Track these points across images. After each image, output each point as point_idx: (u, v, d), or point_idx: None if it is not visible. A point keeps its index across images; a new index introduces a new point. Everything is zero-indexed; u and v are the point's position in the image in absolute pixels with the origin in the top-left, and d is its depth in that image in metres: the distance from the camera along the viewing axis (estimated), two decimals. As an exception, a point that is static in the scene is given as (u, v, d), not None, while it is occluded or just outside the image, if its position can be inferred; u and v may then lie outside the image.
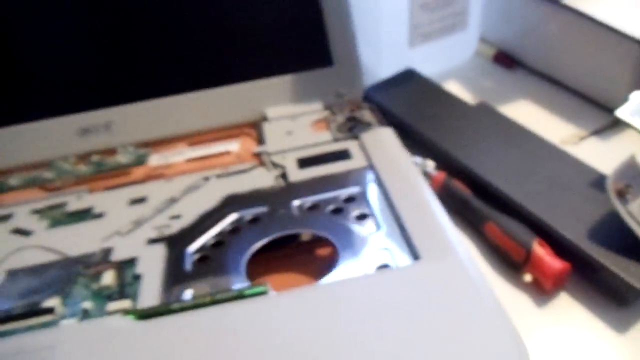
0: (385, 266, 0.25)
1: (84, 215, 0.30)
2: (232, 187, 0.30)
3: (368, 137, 0.32)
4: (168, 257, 0.26)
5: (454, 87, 0.44)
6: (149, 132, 0.35)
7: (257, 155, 0.32)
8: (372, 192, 0.29)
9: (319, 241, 0.28)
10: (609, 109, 0.38)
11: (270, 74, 0.35)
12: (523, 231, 0.31)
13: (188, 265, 0.26)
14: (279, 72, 0.35)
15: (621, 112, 0.31)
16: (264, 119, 0.35)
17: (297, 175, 0.31)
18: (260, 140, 0.34)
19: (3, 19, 0.33)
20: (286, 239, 0.28)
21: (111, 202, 0.30)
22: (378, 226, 0.27)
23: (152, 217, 0.29)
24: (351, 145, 0.32)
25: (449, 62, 0.45)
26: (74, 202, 0.31)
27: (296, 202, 0.29)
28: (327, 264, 0.27)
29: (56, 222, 0.30)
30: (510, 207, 0.32)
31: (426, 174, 0.36)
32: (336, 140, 0.33)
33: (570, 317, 0.29)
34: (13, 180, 0.33)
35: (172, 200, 0.30)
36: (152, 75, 0.35)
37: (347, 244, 0.26)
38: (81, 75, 0.34)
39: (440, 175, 0.35)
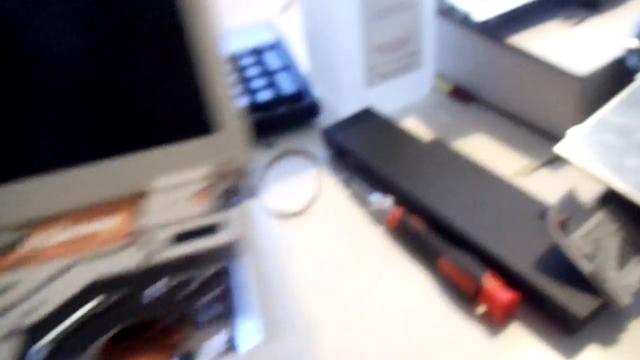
0: (233, 347, 0.26)
1: None
2: (99, 270, 0.31)
3: (240, 208, 0.33)
4: (20, 351, 0.27)
5: (412, 123, 0.46)
6: (27, 212, 0.34)
7: (132, 233, 0.33)
8: (234, 270, 0.30)
9: (178, 322, 0.29)
10: (558, 141, 0.40)
11: (153, 145, 0.36)
12: (474, 264, 0.32)
13: (39, 358, 0.27)
14: (163, 143, 0.36)
15: (559, 148, 0.33)
16: (148, 191, 0.35)
17: (166, 253, 0.31)
18: (140, 215, 0.34)
19: None
20: (145, 322, 0.29)
21: None
22: (234, 306, 0.28)
23: (13, 308, 0.29)
24: (224, 218, 0.33)
25: (407, 99, 0.47)
26: None
27: (159, 284, 0.30)
28: (183, 346, 0.28)
29: None
30: (463, 240, 0.34)
31: (384, 211, 0.37)
32: (212, 212, 0.33)
33: (521, 346, 0.30)
34: None
35: (38, 288, 0.30)
36: (29, 153, 0.34)
37: (203, 325, 0.28)
38: None
39: (397, 212, 0.36)
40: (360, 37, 0.41)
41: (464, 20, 0.42)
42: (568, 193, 0.31)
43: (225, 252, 0.31)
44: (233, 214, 0.33)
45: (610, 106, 0.34)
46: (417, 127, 0.45)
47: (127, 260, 0.31)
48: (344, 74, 0.43)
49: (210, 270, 0.30)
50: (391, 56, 0.43)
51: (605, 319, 0.30)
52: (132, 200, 0.35)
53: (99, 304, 0.29)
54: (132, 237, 0.32)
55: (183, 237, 0.32)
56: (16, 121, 0.34)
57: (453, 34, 0.45)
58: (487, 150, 0.42)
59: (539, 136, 0.43)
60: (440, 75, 0.48)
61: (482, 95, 0.46)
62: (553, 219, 0.30)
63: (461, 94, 0.47)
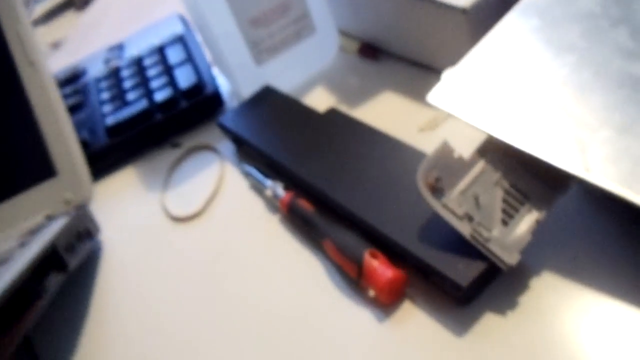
0: None
1: None
2: None
3: (40, 237, 0.31)
4: None
5: (320, 92, 0.42)
6: None
7: None
8: None
9: None
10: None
11: None
12: (355, 244, 0.29)
13: None
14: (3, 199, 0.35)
15: (431, 96, 0.29)
16: None
17: None
18: None
19: None
20: None
21: None
22: None
23: None
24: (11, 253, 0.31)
25: (312, 68, 0.43)
26: None
27: None
28: None
29: None
30: (348, 218, 0.31)
31: (277, 197, 0.34)
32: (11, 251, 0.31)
33: (413, 326, 0.27)
34: None
35: None
36: None
37: None
38: None
39: (287, 196, 0.34)
40: (229, 14, 0.38)
41: (345, -29, 0.38)
42: (440, 146, 0.27)
43: None
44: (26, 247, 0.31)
45: (488, 38, 0.30)
46: (324, 96, 0.42)
47: None
48: (230, 56, 0.40)
49: None
50: (272, 28, 0.39)
51: (505, 282, 0.27)
52: None
53: None
54: None
55: None
56: None
57: (341, -12, 0.41)
58: (394, 107, 0.39)
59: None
60: (346, 35, 0.44)
61: (388, 48, 0.42)
62: (422, 181, 0.26)
63: (370, 51, 0.43)
